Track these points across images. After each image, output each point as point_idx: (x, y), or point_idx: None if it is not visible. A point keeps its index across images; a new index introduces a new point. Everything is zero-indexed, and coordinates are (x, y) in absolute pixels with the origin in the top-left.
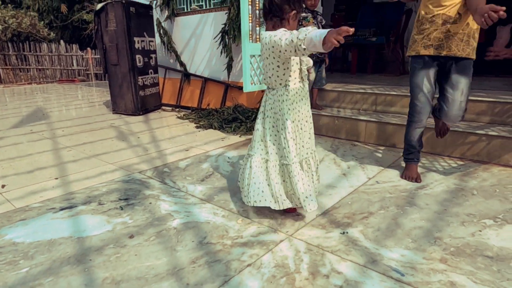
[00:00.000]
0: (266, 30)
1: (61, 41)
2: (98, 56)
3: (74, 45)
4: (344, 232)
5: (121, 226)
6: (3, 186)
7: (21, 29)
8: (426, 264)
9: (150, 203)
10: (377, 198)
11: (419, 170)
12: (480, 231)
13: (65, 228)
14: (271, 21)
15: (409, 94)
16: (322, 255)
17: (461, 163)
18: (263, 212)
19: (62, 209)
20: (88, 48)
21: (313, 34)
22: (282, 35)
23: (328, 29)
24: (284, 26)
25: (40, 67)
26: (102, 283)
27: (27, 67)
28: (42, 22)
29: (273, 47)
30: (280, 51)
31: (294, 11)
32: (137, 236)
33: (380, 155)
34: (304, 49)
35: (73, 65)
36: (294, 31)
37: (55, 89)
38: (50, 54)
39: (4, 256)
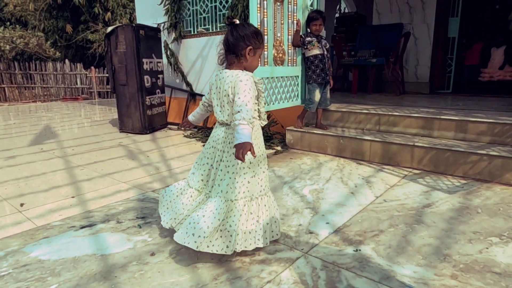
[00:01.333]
0: (226, 67)
1: (66, 60)
2: (102, 75)
3: (78, 64)
4: (357, 250)
5: (142, 244)
6: (22, 205)
7: (28, 49)
8: (438, 280)
9: None
10: (386, 216)
11: (425, 188)
12: (487, 248)
13: (87, 245)
14: (229, 57)
15: (411, 115)
16: (338, 271)
17: (464, 182)
18: None
19: (82, 227)
20: (92, 67)
21: (246, 132)
22: (246, 96)
23: (247, 142)
24: (241, 62)
25: (44, 85)
26: None
27: (32, 85)
28: (48, 42)
29: (234, 99)
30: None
31: (249, 47)
32: (158, 253)
33: (385, 174)
34: (236, 125)
35: (77, 84)
36: (247, 109)
37: (60, 107)
38: (55, 72)
39: (32, 273)
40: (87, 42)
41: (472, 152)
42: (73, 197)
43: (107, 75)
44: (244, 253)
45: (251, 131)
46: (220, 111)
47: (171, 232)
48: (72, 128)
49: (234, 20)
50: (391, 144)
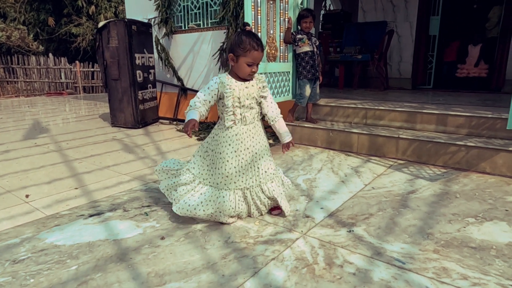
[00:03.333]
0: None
1: (50, 54)
2: (87, 69)
3: (62, 58)
4: (350, 231)
5: (151, 229)
6: (27, 196)
7: (9, 42)
8: (422, 254)
9: (172, 209)
10: (375, 202)
11: (409, 177)
12: (464, 227)
13: (99, 232)
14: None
15: (395, 109)
16: (334, 249)
17: (444, 170)
18: (276, 215)
19: (91, 215)
20: (77, 61)
21: (189, 114)
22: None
23: (190, 119)
24: (232, 68)
25: (28, 80)
26: (147, 276)
27: (15, 80)
28: (31, 35)
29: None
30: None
31: (230, 55)
32: (167, 237)
33: (372, 164)
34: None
35: (61, 78)
36: (199, 98)
37: (45, 102)
38: (38, 67)
39: (51, 257)
40: (71, 36)
41: (452, 143)
42: (76, 188)
43: (92, 69)
44: (247, 235)
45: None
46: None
47: (178, 218)
48: (62, 123)
49: (246, 27)
50: (377, 137)
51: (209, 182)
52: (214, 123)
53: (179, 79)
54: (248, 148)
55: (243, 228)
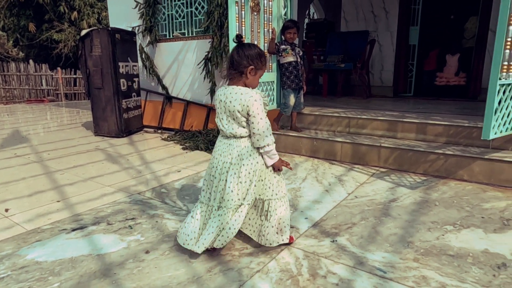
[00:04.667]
0: (229, 83)
1: (30, 61)
2: (69, 76)
3: (43, 65)
4: (333, 241)
5: (135, 243)
6: (6, 210)
7: None
8: (402, 263)
9: (157, 221)
10: (358, 211)
11: (391, 185)
12: (443, 235)
13: (82, 246)
14: (232, 74)
15: (377, 118)
16: (318, 260)
17: (424, 178)
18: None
19: (73, 229)
20: (59, 68)
21: (274, 151)
22: (262, 119)
23: (279, 160)
24: (243, 79)
25: (7, 86)
26: None
27: None
28: (10, 41)
29: (246, 115)
30: (248, 123)
31: (251, 67)
32: (152, 251)
33: (355, 172)
34: (263, 147)
35: (42, 85)
36: (267, 127)
37: (25, 110)
38: (18, 73)
39: (32, 274)
40: (52, 42)
41: (431, 152)
42: (58, 201)
43: (74, 76)
44: (233, 248)
45: (274, 149)
46: (227, 124)
47: (162, 231)
48: (43, 132)
49: (242, 39)
50: (360, 145)
51: None
52: (200, 132)
53: (164, 87)
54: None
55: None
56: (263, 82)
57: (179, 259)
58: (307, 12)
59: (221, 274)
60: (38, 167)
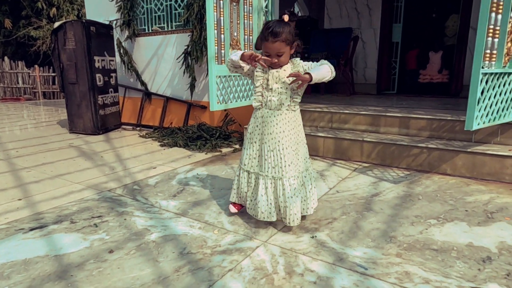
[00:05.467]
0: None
1: (5, 58)
2: (47, 74)
3: (20, 62)
4: (313, 236)
5: (99, 242)
6: None
7: None
8: (385, 259)
9: (125, 219)
10: (339, 206)
11: (373, 180)
12: (427, 229)
13: (39, 247)
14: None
15: (360, 112)
16: (295, 257)
17: (407, 172)
18: (237, 222)
19: (32, 229)
20: (36, 66)
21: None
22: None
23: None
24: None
25: None
26: None
27: None
28: None
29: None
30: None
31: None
32: (116, 250)
33: (337, 167)
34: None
35: (18, 83)
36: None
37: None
38: None
39: None
40: (30, 39)
41: (414, 146)
42: (20, 199)
43: (53, 74)
44: (205, 245)
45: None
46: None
47: (130, 229)
48: (14, 130)
49: (284, 16)
50: (342, 140)
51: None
52: (179, 129)
53: (142, 83)
54: (270, 134)
55: (200, 237)
56: (243, 76)
57: (145, 259)
58: (292, 9)
59: (189, 274)
60: (3, 164)
